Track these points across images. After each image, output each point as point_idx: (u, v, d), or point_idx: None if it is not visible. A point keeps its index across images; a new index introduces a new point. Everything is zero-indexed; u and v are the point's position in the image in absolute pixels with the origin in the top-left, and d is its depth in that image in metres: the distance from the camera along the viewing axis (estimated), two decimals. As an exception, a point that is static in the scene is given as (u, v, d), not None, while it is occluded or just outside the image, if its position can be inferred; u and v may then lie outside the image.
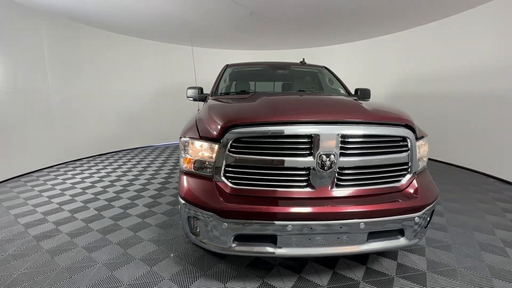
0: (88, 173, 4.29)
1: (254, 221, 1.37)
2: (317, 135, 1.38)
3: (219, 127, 1.46)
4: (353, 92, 2.78)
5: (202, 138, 1.53)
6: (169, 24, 4.96)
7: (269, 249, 1.42)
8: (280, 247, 1.42)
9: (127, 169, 4.54)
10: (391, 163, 1.50)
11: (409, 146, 1.50)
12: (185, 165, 1.61)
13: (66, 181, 3.86)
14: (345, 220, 1.37)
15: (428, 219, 1.55)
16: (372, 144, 1.46)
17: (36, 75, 4.28)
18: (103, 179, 3.98)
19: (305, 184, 1.46)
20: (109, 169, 4.57)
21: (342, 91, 2.77)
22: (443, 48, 4.76)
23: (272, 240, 1.43)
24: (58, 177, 4.07)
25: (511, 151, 3.78)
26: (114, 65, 5.73)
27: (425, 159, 1.66)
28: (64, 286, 1.67)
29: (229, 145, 1.43)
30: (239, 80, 3.11)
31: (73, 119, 5.10)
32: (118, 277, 1.75)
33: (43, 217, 2.68)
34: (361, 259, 1.92)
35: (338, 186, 1.47)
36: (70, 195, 3.29)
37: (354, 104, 1.73)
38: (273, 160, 1.42)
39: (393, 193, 1.52)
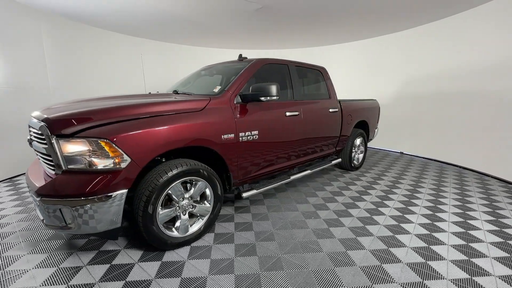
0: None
1: None
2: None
3: None
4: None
5: None
6: (170, 23, 4.87)
7: None
8: None
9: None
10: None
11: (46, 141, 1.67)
12: None
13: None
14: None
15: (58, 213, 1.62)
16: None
17: (36, 74, 4.20)
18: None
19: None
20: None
21: (216, 89, 2.50)
22: (444, 47, 4.75)
23: None
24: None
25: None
26: (114, 64, 5.54)
27: (88, 159, 1.62)
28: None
29: None
30: (189, 81, 3.22)
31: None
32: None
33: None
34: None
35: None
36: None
37: (72, 106, 1.96)
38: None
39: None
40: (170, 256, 1.96)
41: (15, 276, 1.74)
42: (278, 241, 2.18)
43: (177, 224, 2.04)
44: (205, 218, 2.20)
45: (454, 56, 4.59)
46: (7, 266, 1.84)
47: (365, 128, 4.53)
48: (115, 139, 1.63)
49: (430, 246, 2.11)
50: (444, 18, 4.69)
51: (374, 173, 4.21)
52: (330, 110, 3.48)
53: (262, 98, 2.34)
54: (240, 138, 2.32)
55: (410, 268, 1.84)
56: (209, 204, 2.20)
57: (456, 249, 2.08)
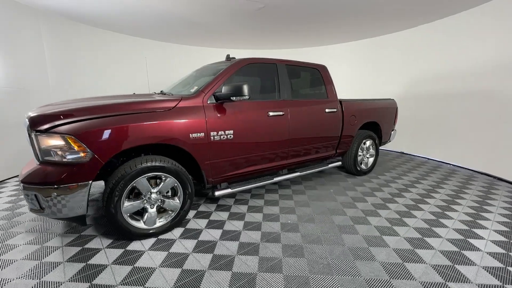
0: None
1: None
2: None
3: None
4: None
5: None
6: (172, 24, 4.86)
7: None
8: None
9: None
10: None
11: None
12: None
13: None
14: None
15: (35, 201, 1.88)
16: None
17: (36, 74, 4.19)
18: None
19: None
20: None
21: (193, 89, 2.59)
22: (446, 47, 4.70)
23: None
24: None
25: None
26: (114, 65, 5.53)
27: (59, 152, 1.83)
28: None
29: None
30: (185, 82, 3.29)
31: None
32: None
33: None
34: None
35: None
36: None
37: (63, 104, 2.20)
38: None
39: None
40: (134, 245, 2.10)
41: (9, 249, 2.05)
42: (243, 240, 2.17)
43: (145, 216, 2.17)
44: (173, 214, 2.30)
45: (457, 56, 4.51)
46: (7, 240, 2.18)
47: (376, 130, 4.19)
48: (79, 135, 1.82)
49: (404, 263, 1.89)
50: (445, 17, 4.63)
51: (383, 179, 3.87)
52: (327, 110, 3.30)
53: (233, 98, 2.36)
54: (212, 138, 2.37)
55: (368, 285, 1.68)
56: (178, 200, 2.30)
57: (435, 269, 1.82)
